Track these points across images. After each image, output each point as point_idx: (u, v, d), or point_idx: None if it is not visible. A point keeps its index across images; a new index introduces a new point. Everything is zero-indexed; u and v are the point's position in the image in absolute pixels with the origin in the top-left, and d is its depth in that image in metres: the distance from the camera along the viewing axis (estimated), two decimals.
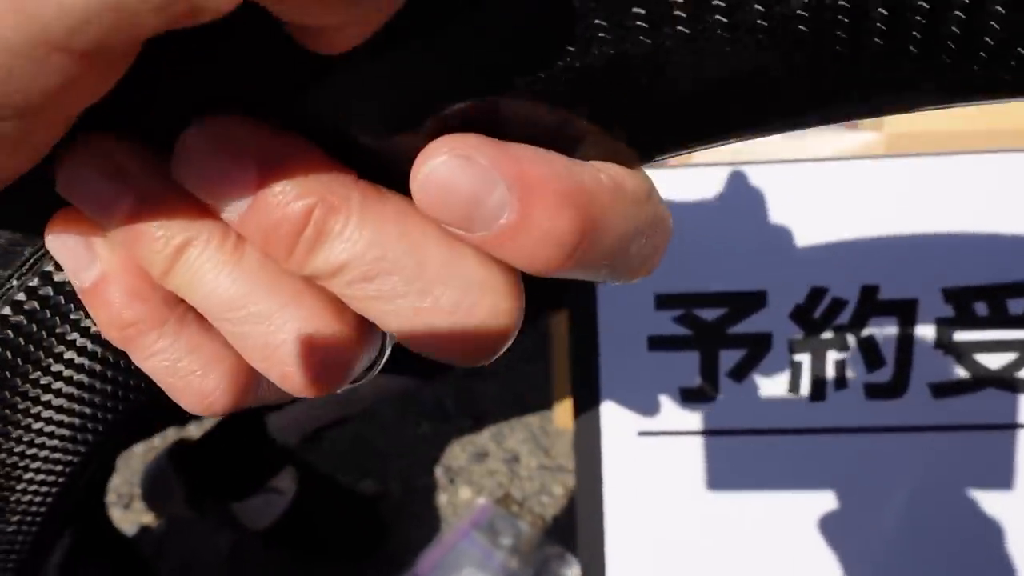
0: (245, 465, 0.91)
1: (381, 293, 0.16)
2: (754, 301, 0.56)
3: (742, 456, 0.58)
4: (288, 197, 0.16)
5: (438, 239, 0.16)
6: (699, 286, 0.56)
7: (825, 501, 0.59)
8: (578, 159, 0.17)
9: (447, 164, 0.15)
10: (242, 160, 0.15)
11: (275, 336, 0.17)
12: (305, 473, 0.97)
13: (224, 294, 0.17)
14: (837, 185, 0.54)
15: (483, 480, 1.15)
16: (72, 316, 0.21)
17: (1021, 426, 0.56)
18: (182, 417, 0.93)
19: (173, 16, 0.12)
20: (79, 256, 0.18)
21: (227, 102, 0.16)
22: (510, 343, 0.17)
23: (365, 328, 0.18)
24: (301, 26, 0.13)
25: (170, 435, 1.16)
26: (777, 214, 0.55)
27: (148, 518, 1.09)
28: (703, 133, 0.18)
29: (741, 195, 0.55)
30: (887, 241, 0.54)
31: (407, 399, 1.27)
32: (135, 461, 1.16)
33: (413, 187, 0.16)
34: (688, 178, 0.56)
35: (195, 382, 0.18)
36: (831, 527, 0.59)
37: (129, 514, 1.11)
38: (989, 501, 0.57)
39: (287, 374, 0.17)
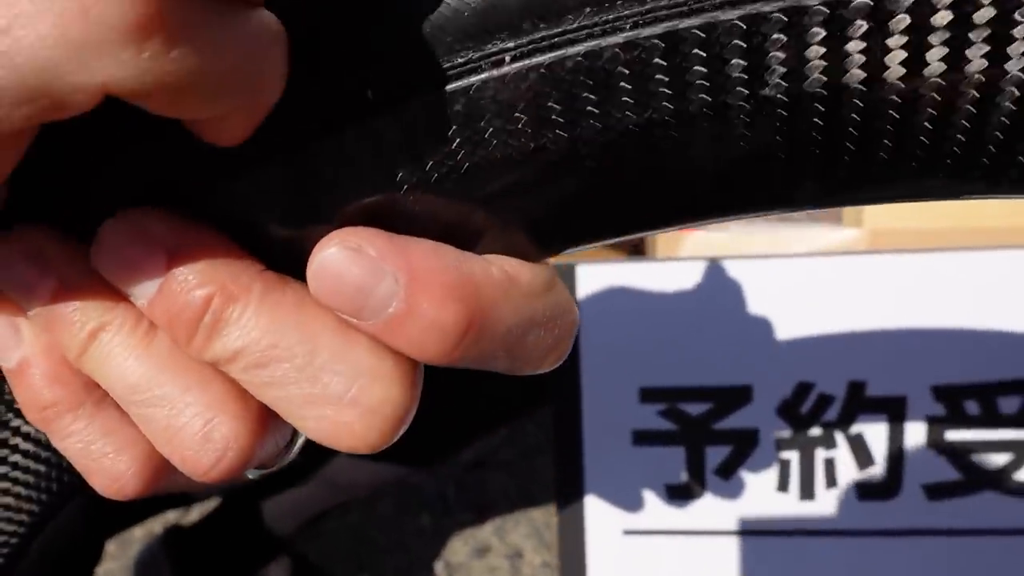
0: (237, 552, 0.90)
1: (274, 379, 0.17)
2: (739, 396, 0.56)
3: (731, 558, 0.56)
4: (190, 285, 0.16)
5: (333, 329, 0.17)
6: (684, 380, 0.56)
7: None
8: (478, 252, 0.18)
9: (337, 255, 0.16)
10: (153, 249, 0.16)
11: (176, 419, 0.17)
12: (299, 564, 0.95)
13: (131, 377, 0.17)
14: (821, 281, 0.54)
15: None
16: (7, 396, 0.21)
17: (1021, 531, 0.54)
18: (180, 501, 0.92)
19: (41, 109, 0.12)
20: (5, 338, 0.18)
21: (145, 195, 0.17)
22: (402, 430, 0.17)
23: (268, 416, 0.18)
24: (188, 120, 0.14)
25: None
26: (762, 308, 0.55)
27: None
28: (601, 231, 0.18)
29: (726, 289, 0.55)
30: (873, 337, 0.54)
31: (408, 490, 1.25)
32: (134, 548, 1.14)
33: (308, 276, 0.16)
34: (673, 271, 0.56)
35: (107, 464, 0.19)
36: None
37: None
38: None
39: (187, 458, 0.17)
